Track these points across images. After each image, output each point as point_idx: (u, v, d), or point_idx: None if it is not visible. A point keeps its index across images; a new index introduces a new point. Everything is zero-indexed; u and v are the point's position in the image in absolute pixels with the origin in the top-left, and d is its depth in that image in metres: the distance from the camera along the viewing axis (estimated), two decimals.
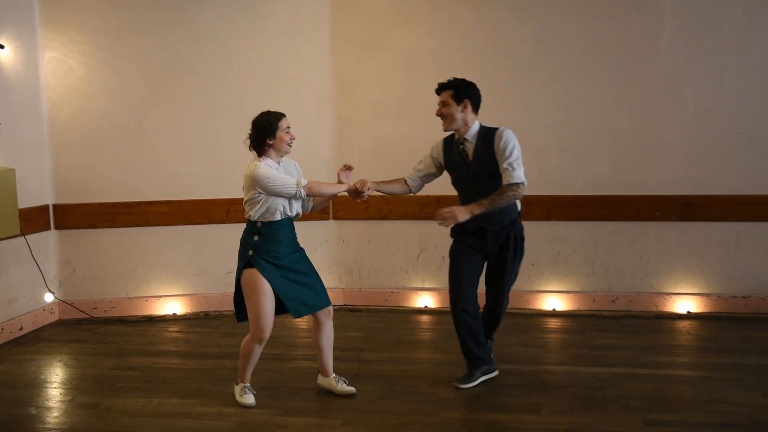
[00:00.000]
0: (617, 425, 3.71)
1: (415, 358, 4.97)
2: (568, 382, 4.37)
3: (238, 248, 4.14)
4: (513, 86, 5.99)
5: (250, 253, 4.02)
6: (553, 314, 5.97)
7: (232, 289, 6.26)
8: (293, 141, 4.11)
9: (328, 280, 6.34)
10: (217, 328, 5.80)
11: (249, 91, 6.09)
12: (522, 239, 4.37)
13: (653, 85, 5.80)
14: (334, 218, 6.32)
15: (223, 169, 6.13)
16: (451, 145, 4.33)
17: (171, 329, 5.79)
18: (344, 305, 6.33)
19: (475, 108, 4.27)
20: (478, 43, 6.04)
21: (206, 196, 6.17)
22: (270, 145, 4.05)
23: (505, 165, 4.07)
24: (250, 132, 4.07)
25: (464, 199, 4.26)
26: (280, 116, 4.08)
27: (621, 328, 5.54)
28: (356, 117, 6.21)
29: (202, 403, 4.16)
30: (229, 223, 6.20)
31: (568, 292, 6.03)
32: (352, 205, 6.27)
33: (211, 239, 6.22)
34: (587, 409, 3.93)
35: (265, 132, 4.02)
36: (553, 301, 6.03)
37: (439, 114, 4.25)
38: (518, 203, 4.31)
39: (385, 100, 6.13)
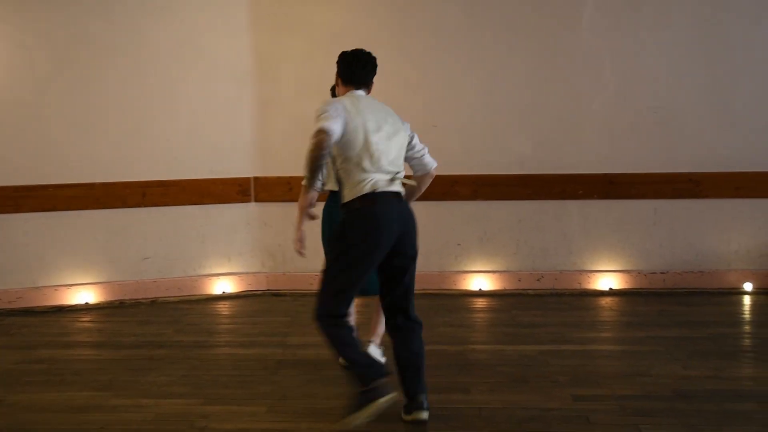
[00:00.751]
0: (547, 401, 3.70)
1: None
2: (496, 361, 4.35)
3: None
4: (436, 65, 5.93)
5: None
6: (480, 294, 5.97)
7: (148, 276, 6.04)
8: None
9: (251, 264, 6.16)
10: (133, 316, 5.53)
11: (161, 67, 5.80)
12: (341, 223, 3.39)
13: (575, 63, 5.85)
14: (256, 200, 6.12)
15: (137, 149, 5.85)
16: None
17: (83, 319, 5.48)
18: (267, 290, 6.15)
19: (344, 81, 3.59)
20: (400, 21, 5.94)
21: (119, 178, 5.85)
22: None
23: None
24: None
25: None
26: None
27: (546, 306, 5.58)
28: (277, 96, 6.01)
29: (117, 395, 3.92)
30: (145, 206, 5.92)
31: (493, 271, 6.03)
32: (273, 186, 6.09)
33: (126, 224, 5.91)
34: (516, 387, 3.91)
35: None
36: (479, 280, 6.03)
37: None
38: (342, 191, 3.41)
39: (306, 78, 5.95)
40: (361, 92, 3.56)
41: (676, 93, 5.79)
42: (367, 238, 3.29)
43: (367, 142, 3.32)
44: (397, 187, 3.42)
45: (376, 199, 3.32)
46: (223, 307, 5.79)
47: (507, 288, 6.01)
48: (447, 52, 5.92)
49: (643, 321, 5.11)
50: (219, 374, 4.22)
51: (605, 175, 5.88)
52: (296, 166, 5.95)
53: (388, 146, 3.39)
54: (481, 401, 3.73)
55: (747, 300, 5.65)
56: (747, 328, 4.97)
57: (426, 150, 3.64)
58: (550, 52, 5.86)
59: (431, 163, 3.66)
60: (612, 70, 5.82)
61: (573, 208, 5.95)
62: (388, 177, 3.38)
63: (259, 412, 3.66)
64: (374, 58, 3.60)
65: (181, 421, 3.56)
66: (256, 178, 6.10)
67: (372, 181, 3.32)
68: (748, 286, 5.80)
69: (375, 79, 3.77)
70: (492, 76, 5.92)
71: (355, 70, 3.55)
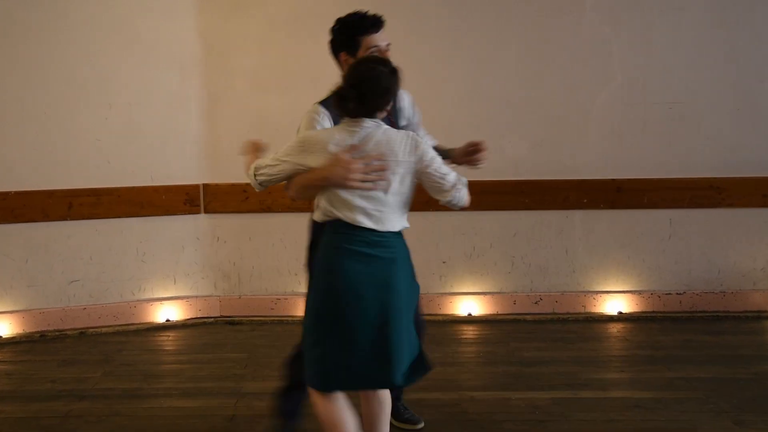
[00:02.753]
0: None
1: None
2: (500, 415, 3.51)
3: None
4: (414, 52, 5.05)
5: None
6: (469, 320, 5.12)
7: (77, 302, 5.09)
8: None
9: (201, 286, 5.24)
10: (54, 353, 4.57)
11: (89, 55, 4.84)
12: None
13: (577, 51, 5.04)
14: (206, 211, 5.20)
15: (61, 151, 4.90)
16: None
17: None
18: (221, 317, 5.23)
19: None
20: (373, 3, 5.06)
21: (40, 186, 4.88)
22: None
23: None
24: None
25: None
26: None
27: (548, 335, 4.77)
28: (230, 88, 5.10)
29: None
30: (72, 219, 4.97)
31: (485, 293, 5.20)
32: (226, 195, 5.19)
33: (49, 240, 4.94)
34: None
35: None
36: (469, 304, 5.18)
37: None
38: None
39: (264, 68, 5.06)
40: None
41: (695, 86, 5.02)
42: None
43: None
44: None
45: None
46: (167, 340, 4.86)
47: (500, 312, 5.17)
48: (426, 39, 5.08)
49: (668, 356, 4.31)
50: None
51: (613, 181, 5.09)
52: None
53: None
54: None
55: None
56: None
57: None
58: (547, 39, 5.05)
59: None
60: (620, 60, 5.03)
61: (576, 219, 5.14)
62: None
63: None
64: None
65: None
66: (205, 186, 5.18)
67: None
68: None
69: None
70: (479, 67, 5.10)
71: None
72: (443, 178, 2.61)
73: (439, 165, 2.61)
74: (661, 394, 3.72)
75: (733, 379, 3.91)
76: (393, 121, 2.95)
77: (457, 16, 5.05)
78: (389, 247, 2.57)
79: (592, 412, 3.50)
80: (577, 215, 5.14)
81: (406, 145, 2.56)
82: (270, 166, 2.66)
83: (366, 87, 2.51)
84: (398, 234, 2.63)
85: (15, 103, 4.78)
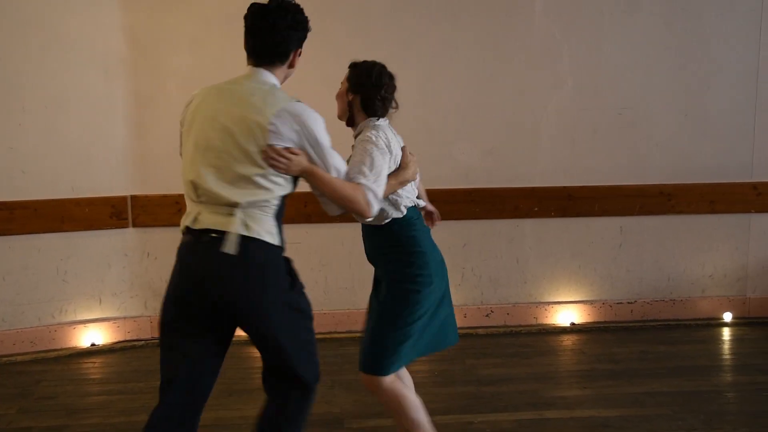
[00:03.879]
0: None
1: (254, 417, 3.64)
2: None
3: None
4: (359, 56, 4.77)
5: None
6: None
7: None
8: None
9: (130, 306, 4.84)
10: None
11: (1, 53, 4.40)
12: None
13: (527, 56, 4.90)
14: (135, 225, 4.80)
15: None
16: None
17: None
18: (152, 338, 4.82)
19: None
20: (315, 3, 4.79)
21: None
22: None
23: None
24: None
25: None
26: None
27: (502, 349, 4.59)
28: (160, 92, 4.71)
29: None
30: None
31: None
32: (157, 207, 4.80)
33: None
34: None
35: None
36: None
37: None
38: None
39: (197, 68, 4.69)
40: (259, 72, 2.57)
41: (644, 91, 4.95)
42: None
43: None
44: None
45: None
46: (93, 367, 4.44)
47: None
48: (373, 43, 4.81)
49: (628, 369, 4.20)
50: None
51: (564, 188, 4.97)
52: None
53: None
54: None
55: (729, 333, 4.89)
56: (753, 374, 4.15)
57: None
58: (497, 42, 4.89)
59: None
60: (571, 64, 4.92)
61: (526, 228, 5.00)
62: None
63: None
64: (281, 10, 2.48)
65: None
66: (134, 197, 4.78)
67: None
68: (727, 316, 5.04)
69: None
70: (428, 71, 4.89)
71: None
72: None
73: None
74: (628, 412, 3.59)
75: (696, 392, 3.82)
76: None
77: (404, 20, 4.82)
78: None
79: None
80: (528, 224, 4.99)
81: None
82: None
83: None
84: None
85: None
